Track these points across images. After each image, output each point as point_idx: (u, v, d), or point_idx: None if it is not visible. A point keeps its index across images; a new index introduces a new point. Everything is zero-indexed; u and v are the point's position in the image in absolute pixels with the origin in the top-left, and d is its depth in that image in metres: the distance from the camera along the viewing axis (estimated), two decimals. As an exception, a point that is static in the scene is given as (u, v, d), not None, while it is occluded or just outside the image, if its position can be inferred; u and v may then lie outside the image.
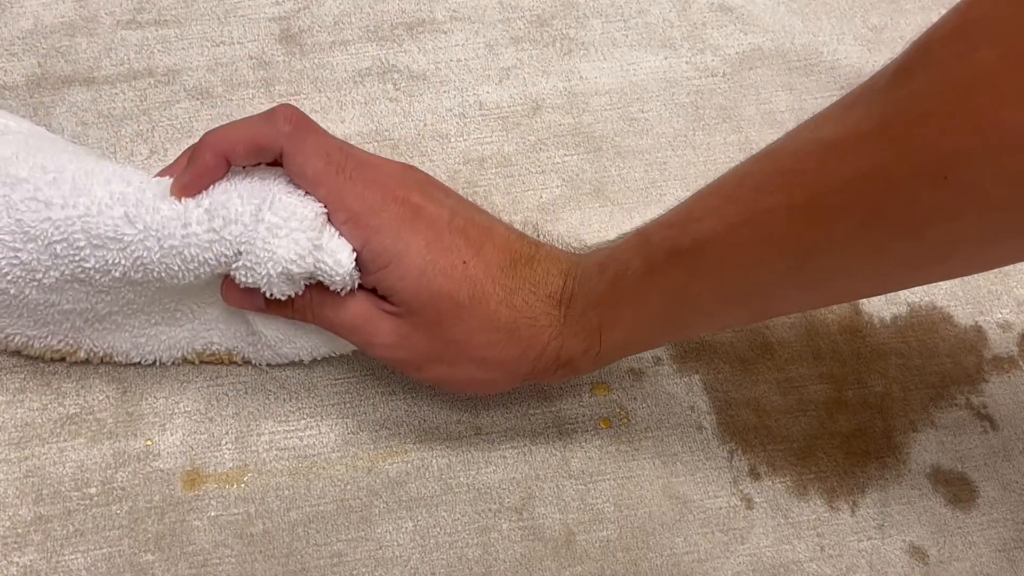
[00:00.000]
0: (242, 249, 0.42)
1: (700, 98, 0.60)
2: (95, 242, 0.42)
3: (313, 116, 0.58)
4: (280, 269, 0.42)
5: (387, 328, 0.44)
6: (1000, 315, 0.55)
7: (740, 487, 0.50)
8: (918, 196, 0.35)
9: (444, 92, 0.59)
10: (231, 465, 0.48)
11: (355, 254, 0.43)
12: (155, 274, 0.43)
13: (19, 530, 0.47)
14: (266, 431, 0.49)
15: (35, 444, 0.48)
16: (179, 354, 0.49)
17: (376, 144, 0.57)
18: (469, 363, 0.45)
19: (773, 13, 0.63)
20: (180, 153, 0.46)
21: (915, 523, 0.49)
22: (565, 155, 0.58)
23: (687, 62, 0.61)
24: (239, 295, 0.45)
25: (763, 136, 0.59)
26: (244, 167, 0.44)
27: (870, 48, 0.62)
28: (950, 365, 0.53)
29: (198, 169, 0.42)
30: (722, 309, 0.44)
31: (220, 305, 0.47)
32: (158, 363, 0.50)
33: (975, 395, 0.53)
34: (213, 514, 0.47)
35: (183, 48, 0.59)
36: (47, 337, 0.48)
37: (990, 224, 0.35)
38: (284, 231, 0.41)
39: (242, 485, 0.48)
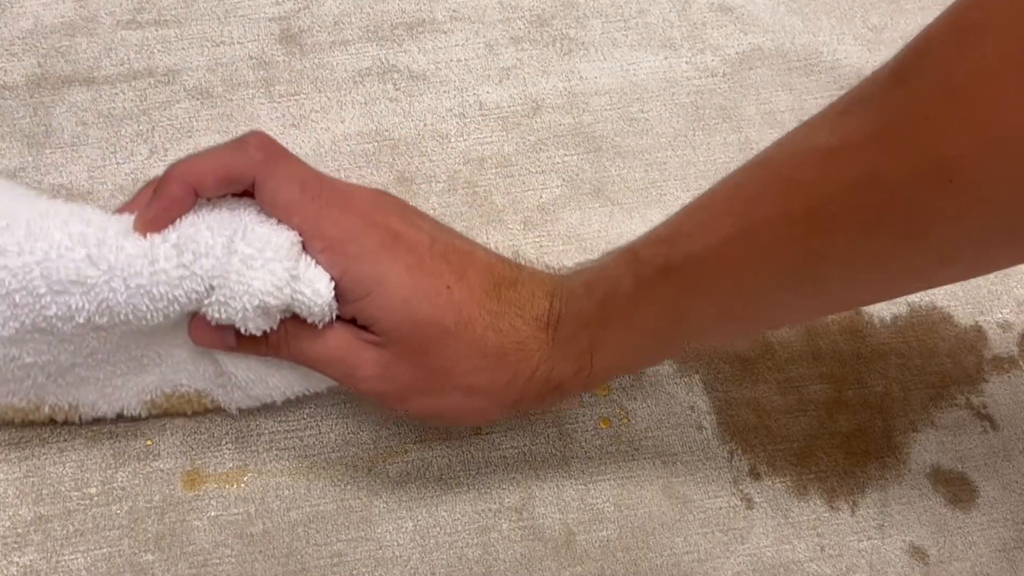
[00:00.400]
0: (215, 284, 0.40)
1: (700, 98, 0.60)
2: (56, 287, 0.39)
3: (313, 116, 0.58)
4: (256, 302, 0.40)
5: (369, 359, 0.42)
6: (1000, 315, 0.55)
7: (740, 487, 0.50)
8: (920, 200, 0.35)
9: (444, 92, 0.59)
10: (231, 465, 0.48)
11: (333, 283, 0.41)
12: (122, 316, 0.40)
13: (19, 530, 0.47)
14: (266, 431, 0.49)
15: (35, 444, 0.48)
16: (148, 398, 0.47)
17: (376, 144, 0.57)
18: (456, 392, 0.43)
19: (773, 13, 0.63)
20: (140, 189, 0.44)
21: (915, 523, 0.49)
22: (565, 155, 0.58)
23: (687, 62, 0.61)
24: (209, 334, 0.43)
25: (763, 136, 0.59)
26: (210, 199, 0.42)
27: (870, 48, 0.62)
28: (950, 365, 0.53)
29: (164, 202, 0.40)
30: (717, 324, 0.43)
31: (188, 346, 0.45)
32: (125, 412, 0.47)
33: (975, 395, 0.53)
34: (213, 514, 0.47)
35: (183, 48, 0.59)
36: (7, 396, 0.45)
37: (994, 226, 0.35)
38: (259, 262, 0.39)
39: (242, 485, 0.48)
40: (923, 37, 0.36)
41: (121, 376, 0.45)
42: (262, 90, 0.58)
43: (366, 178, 0.56)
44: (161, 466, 0.48)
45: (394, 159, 0.57)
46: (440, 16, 0.62)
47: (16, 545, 0.46)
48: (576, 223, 0.56)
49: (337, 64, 0.60)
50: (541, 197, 0.57)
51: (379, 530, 0.48)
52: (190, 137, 0.57)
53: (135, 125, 0.57)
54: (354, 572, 0.47)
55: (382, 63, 0.60)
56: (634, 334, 0.43)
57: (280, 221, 0.41)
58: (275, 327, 0.42)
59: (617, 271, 0.43)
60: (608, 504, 0.49)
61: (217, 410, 0.48)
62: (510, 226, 0.56)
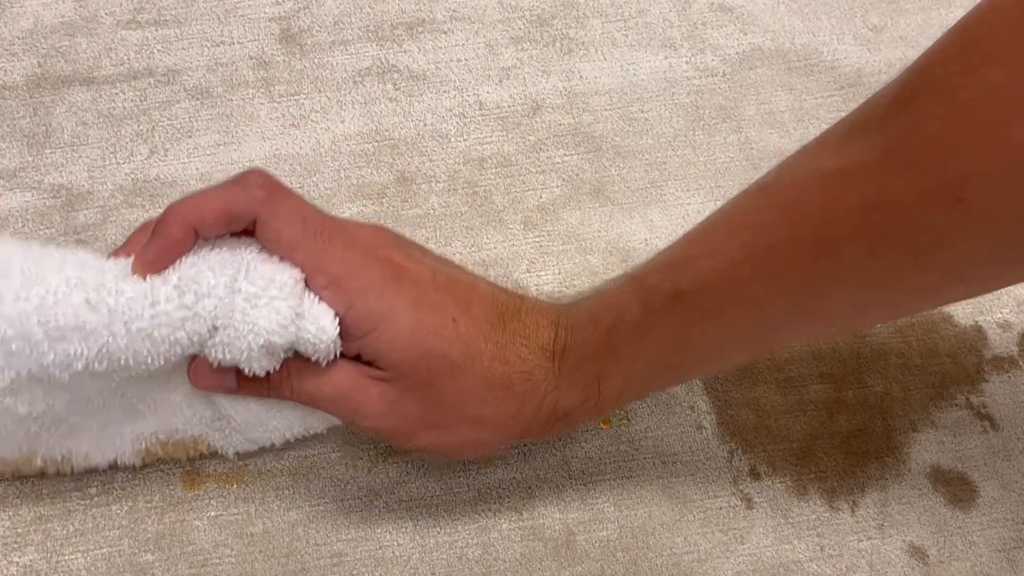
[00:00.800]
0: (218, 324, 0.39)
1: (700, 98, 0.60)
2: (54, 334, 0.38)
3: (313, 116, 0.58)
4: (262, 341, 0.39)
5: (376, 395, 0.42)
6: (1000, 315, 0.55)
7: (740, 487, 0.50)
8: (928, 221, 0.34)
9: (444, 92, 0.59)
10: (231, 465, 0.48)
11: (338, 319, 0.40)
12: (122, 361, 0.39)
13: (19, 530, 0.47)
14: (266, 431, 0.49)
15: (35, 444, 0.48)
16: (142, 445, 0.46)
17: (376, 144, 0.57)
18: (464, 425, 0.43)
19: (773, 13, 0.63)
20: (135, 230, 0.43)
21: (915, 523, 0.49)
22: (565, 155, 0.58)
23: (687, 62, 0.61)
24: (210, 377, 0.42)
25: (763, 136, 0.59)
26: (209, 239, 0.41)
27: (870, 48, 0.62)
28: (950, 365, 0.53)
29: (164, 243, 0.39)
30: (726, 349, 0.43)
31: (184, 390, 0.44)
32: (119, 461, 0.46)
33: (975, 395, 0.53)
34: (213, 514, 0.47)
35: (183, 48, 0.59)
36: None
37: (1003, 245, 0.34)
38: (263, 300, 0.39)
39: (242, 485, 0.48)
40: (926, 58, 0.36)
41: (116, 424, 0.44)
42: (262, 90, 0.58)
43: (366, 178, 0.56)
44: (161, 466, 0.48)
45: (394, 159, 0.57)
46: (440, 16, 0.62)
47: (16, 545, 0.46)
48: (576, 223, 0.56)
49: (337, 64, 0.60)
50: (541, 197, 0.57)
51: (379, 530, 0.48)
52: (190, 137, 0.57)
53: (135, 125, 0.57)
54: (354, 572, 0.47)
55: (382, 63, 0.60)
56: (642, 362, 0.43)
57: (282, 259, 0.40)
58: (278, 366, 0.41)
59: (623, 299, 0.43)
60: (608, 504, 0.49)
61: (213, 455, 0.47)
62: (510, 226, 0.56)
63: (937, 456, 0.51)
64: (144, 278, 0.39)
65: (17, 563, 0.46)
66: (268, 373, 0.41)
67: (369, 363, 0.42)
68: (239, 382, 0.42)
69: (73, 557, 0.46)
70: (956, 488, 0.50)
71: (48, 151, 0.56)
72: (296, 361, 0.41)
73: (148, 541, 0.47)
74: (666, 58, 0.61)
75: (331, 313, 0.40)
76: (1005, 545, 0.49)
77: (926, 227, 0.35)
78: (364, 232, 0.43)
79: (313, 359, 0.41)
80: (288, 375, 0.42)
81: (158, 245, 0.39)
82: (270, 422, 0.45)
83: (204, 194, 0.40)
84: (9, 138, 0.56)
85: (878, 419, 0.52)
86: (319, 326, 0.40)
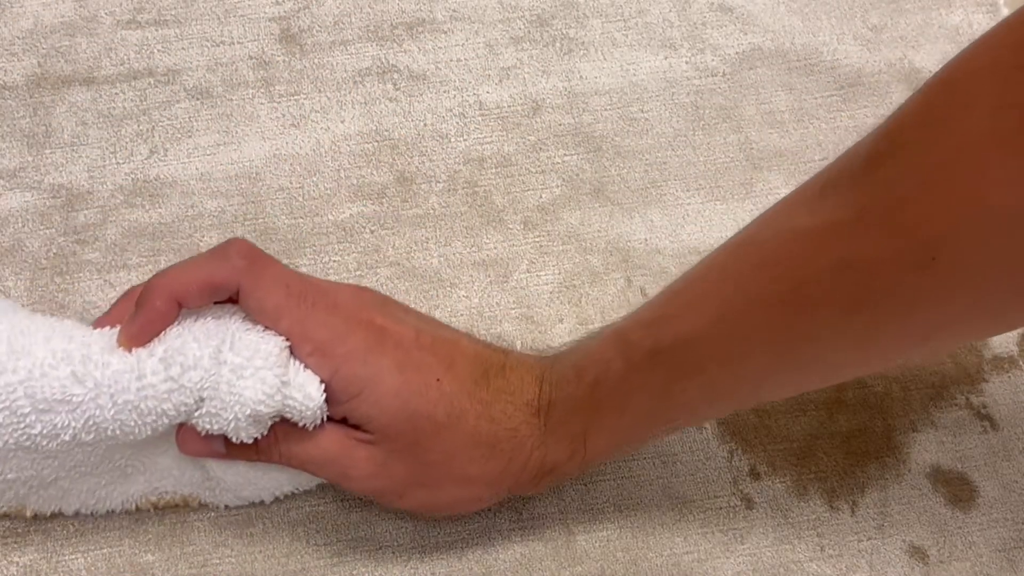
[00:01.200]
0: (205, 395, 0.39)
1: (700, 98, 0.60)
2: (41, 406, 0.39)
3: (313, 116, 0.58)
4: (248, 411, 0.39)
5: (363, 457, 0.42)
6: (1000, 315, 0.55)
7: (740, 487, 0.50)
8: (903, 281, 0.34)
9: (444, 92, 0.59)
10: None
11: (324, 385, 0.40)
12: (108, 432, 0.40)
13: (19, 530, 0.47)
14: (266, 431, 0.49)
15: (35, 444, 0.48)
16: (132, 507, 0.46)
17: (376, 144, 0.57)
18: (451, 483, 0.43)
19: (773, 13, 0.63)
20: (117, 299, 0.44)
21: (915, 523, 0.49)
22: (565, 155, 0.58)
23: (687, 62, 0.61)
24: (198, 444, 0.42)
25: (763, 136, 0.59)
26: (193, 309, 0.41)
27: (870, 48, 0.62)
28: (950, 365, 0.53)
29: (148, 315, 0.40)
30: (709, 403, 0.43)
31: (173, 453, 0.44)
32: (110, 514, 0.47)
33: (975, 395, 0.52)
34: (213, 514, 0.47)
35: (183, 48, 0.59)
36: None
37: (982, 303, 0.35)
38: (249, 371, 0.39)
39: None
40: (895, 119, 0.36)
41: (105, 487, 0.45)
42: (262, 90, 0.58)
43: (366, 178, 0.56)
44: (161, 466, 0.48)
45: (394, 159, 0.57)
46: (440, 16, 0.62)
47: (16, 545, 0.46)
48: (576, 223, 0.56)
49: (337, 64, 0.60)
50: (541, 197, 0.57)
51: (379, 530, 0.48)
52: (190, 137, 0.57)
53: (135, 125, 0.57)
54: (354, 572, 0.47)
55: (382, 63, 0.60)
56: (626, 417, 0.43)
57: (267, 327, 0.41)
58: (266, 432, 0.41)
59: (606, 354, 0.43)
60: (608, 504, 0.49)
61: (203, 508, 0.47)
62: (510, 226, 0.56)
63: (937, 456, 0.51)
64: (130, 351, 0.40)
65: (17, 563, 0.46)
66: (256, 439, 0.41)
67: (356, 426, 0.42)
68: (228, 447, 0.42)
69: (73, 557, 0.46)
70: (956, 488, 0.50)
71: (48, 151, 0.56)
72: (283, 426, 0.42)
73: (148, 541, 0.47)
74: (666, 58, 0.61)
75: (317, 380, 0.40)
76: (1005, 545, 0.49)
77: (900, 287, 0.35)
78: (346, 294, 0.43)
79: (300, 424, 0.41)
80: (276, 440, 0.42)
81: (143, 318, 0.40)
82: (259, 482, 0.45)
83: (186, 266, 0.41)
84: (9, 138, 0.56)
85: (878, 419, 0.52)
86: (305, 393, 0.40)
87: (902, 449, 0.51)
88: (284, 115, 0.58)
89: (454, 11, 0.62)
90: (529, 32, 0.61)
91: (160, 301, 0.40)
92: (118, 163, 0.56)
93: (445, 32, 0.61)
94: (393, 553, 0.47)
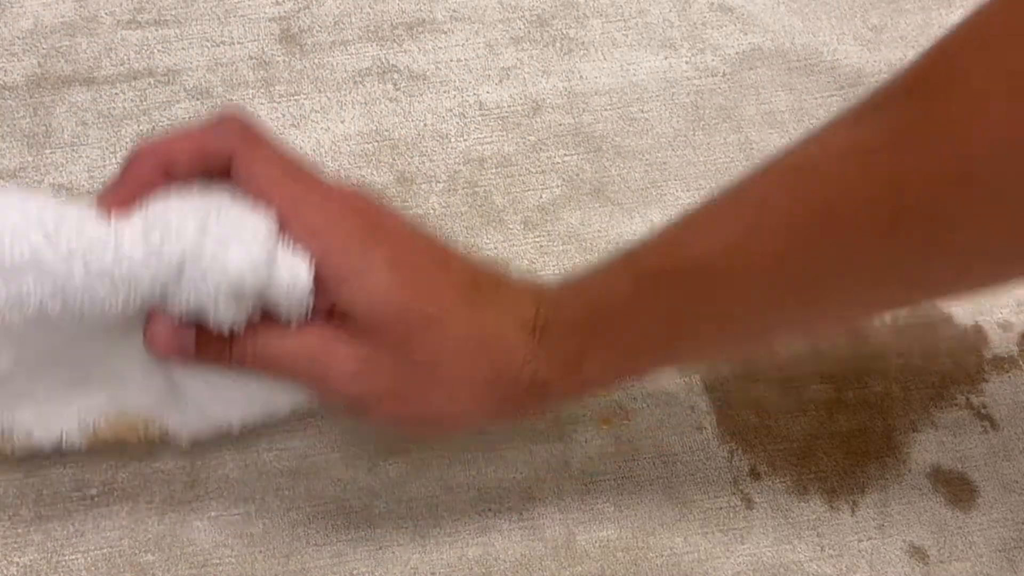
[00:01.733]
0: (186, 268, 0.37)
1: (700, 98, 0.60)
2: (9, 272, 0.36)
3: (313, 116, 0.58)
4: (232, 279, 0.36)
5: (346, 354, 0.39)
6: (1000, 315, 0.55)
7: (740, 487, 0.50)
8: (940, 202, 0.34)
9: (444, 92, 0.59)
10: (232, 465, 0.48)
11: (313, 268, 0.38)
12: (77, 302, 0.37)
13: (19, 530, 0.47)
14: (266, 431, 0.49)
15: (35, 444, 0.48)
16: (88, 423, 0.43)
17: (376, 144, 0.57)
18: (436, 391, 0.41)
19: (773, 13, 0.63)
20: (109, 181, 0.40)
21: (915, 523, 0.49)
22: (565, 155, 0.58)
23: (687, 62, 0.61)
24: (167, 335, 0.39)
25: (763, 136, 0.59)
26: (180, 183, 0.39)
27: (870, 48, 0.62)
28: (950, 365, 0.53)
29: (132, 182, 0.37)
30: (716, 333, 0.41)
31: (138, 362, 0.41)
32: (64, 441, 0.44)
33: (975, 395, 0.52)
34: (213, 514, 0.47)
35: (183, 48, 0.59)
36: None
37: (1015, 230, 0.34)
38: (235, 241, 0.36)
39: (242, 485, 0.48)
40: (939, 45, 0.36)
41: (62, 393, 0.42)
42: (262, 90, 0.58)
43: (366, 178, 0.56)
44: (161, 466, 0.48)
45: (394, 159, 0.57)
46: (440, 16, 0.62)
47: (16, 545, 0.46)
48: (576, 223, 0.56)
49: (337, 64, 0.60)
50: (541, 197, 0.57)
51: (379, 530, 0.48)
52: (190, 137, 0.57)
53: (135, 125, 0.57)
54: (354, 572, 0.47)
55: (382, 63, 0.60)
56: (628, 340, 0.41)
57: (258, 204, 0.38)
58: (243, 322, 0.38)
59: (612, 274, 0.41)
60: (608, 504, 0.49)
61: (165, 445, 0.46)
62: (510, 226, 0.56)
63: (937, 456, 0.51)
64: (109, 218, 0.37)
65: (17, 563, 0.46)
66: (227, 341, 0.39)
67: (339, 324, 0.39)
68: (198, 346, 0.40)
69: (73, 557, 0.46)
70: (956, 488, 0.50)
71: (48, 151, 0.56)
72: (262, 324, 0.39)
73: (148, 541, 0.47)
74: (666, 58, 0.61)
75: (306, 262, 0.38)
76: (1005, 545, 0.49)
77: (937, 209, 0.34)
78: (344, 187, 0.41)
79: (283, 314, 0.39)
80: (253, 336, 0.39)
81: (125, 183, 0.37)
82: (227, 394, 0.42)
83: (177, 132, 0.38)
84: (9, 138, 0.56)
85: (878, 419, 0.52)
86: (293, 273, 0.38)
87: (902, 449, 0.51)
88: (284, 115, 0.58)
89: (454, 11, 0.62)
90: (529, 32, 0.62)
91: (146, 167, 0.37)
92: (118, 163, 0.56)
93: (445, 32, 0.61)
94: (393, 553, 0.47)
